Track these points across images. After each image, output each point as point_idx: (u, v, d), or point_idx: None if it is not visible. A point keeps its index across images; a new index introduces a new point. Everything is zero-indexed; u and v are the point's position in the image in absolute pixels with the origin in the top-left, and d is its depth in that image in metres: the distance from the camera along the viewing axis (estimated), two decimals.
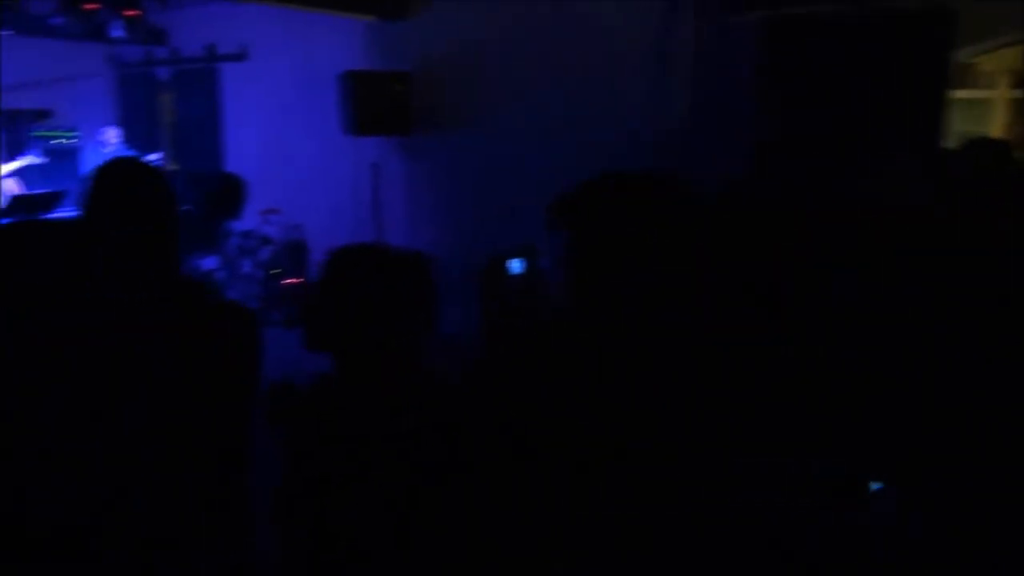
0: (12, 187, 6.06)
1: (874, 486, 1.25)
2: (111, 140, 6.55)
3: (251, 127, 6.78)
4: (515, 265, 1.50)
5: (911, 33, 3.69)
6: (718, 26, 4.22)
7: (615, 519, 1.26)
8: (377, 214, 5.74)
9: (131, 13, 6.08)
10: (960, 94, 4.00)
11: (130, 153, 6.45)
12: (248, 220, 6.22)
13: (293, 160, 6.43)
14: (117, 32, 6.06)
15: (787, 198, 3.19)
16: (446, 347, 1.89)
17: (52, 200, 6.01)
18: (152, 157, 6.36)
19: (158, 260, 1.71)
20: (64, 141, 7.29)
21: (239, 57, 6.57)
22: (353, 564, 1.52)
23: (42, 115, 7.49)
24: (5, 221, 6.10)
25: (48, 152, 6.85)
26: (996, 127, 5.29)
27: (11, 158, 6.57)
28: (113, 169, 1.87)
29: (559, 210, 1.28)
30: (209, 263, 6.09)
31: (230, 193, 5.88)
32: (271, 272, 6.14)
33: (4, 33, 5.86)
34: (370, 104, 5.32)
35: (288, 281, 6.14)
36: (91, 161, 6.53)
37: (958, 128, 3.99)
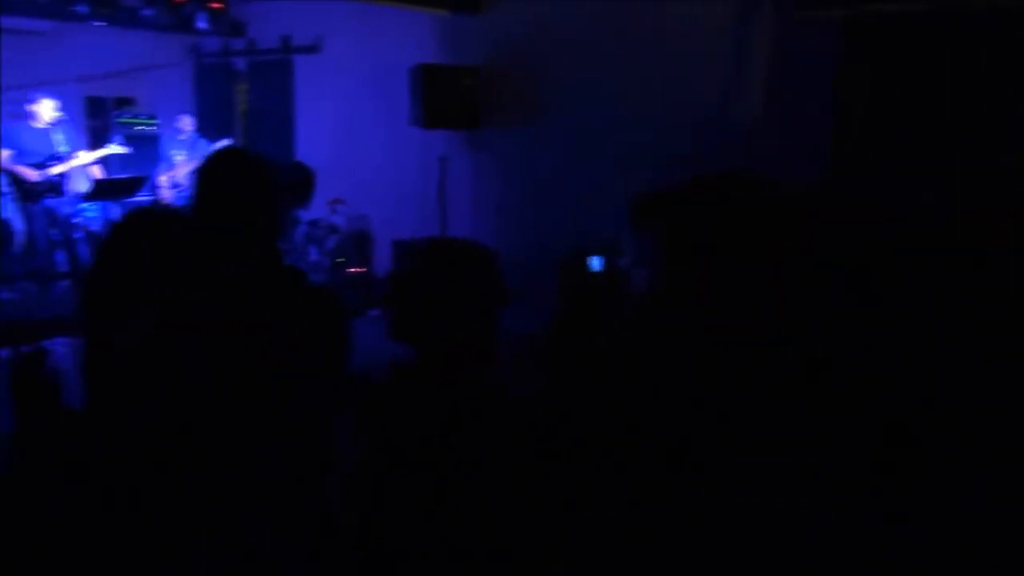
0: (95, 172, 6.32)
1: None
2: (185, 128, 6.76)
3: (322, 118, 6.90)
4: (595, 262, 1.48)
5: (1009, 31, 3.52)
6: (798, 23, 4.11)
7: (696, 520, 1.24)
8: (442, 207, 5.79)
9: (216, 6, 6.28)
10: None
11: (202, 141, 6.65)
12: (316, 209, 6.36)
13: (361, 151, 6.52)
14: (202, 24, 6.26)
15: (869, 201, 3.08)
16: (517, 343, 1.89)
17: (134, 185, 6.24)
18: (223, 143, 6.55)
19: (245, 246, 1.75)
20: (145, 128, 7.57)
21: (312, 49, 6.70)
22: (420, 554, 1.53)
23: (125, 103, 7.81)
24: (93, 204, 6.39)
25: (130, 138, 7.12)
26: None
27: (96, 143, 6.85)
28: (207, 162, 1.93)
29: (648, 208, 1.25)
30: None
31: (300, 182, 6.01)
32: (336, 260, 6.26)
33: (97, 24, 6.12)
34: (439, 97, 5.36)
35: (353, 270, 6.26)
36: (167, 148, 6.77)
37: None
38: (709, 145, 4.05)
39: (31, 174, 5.92)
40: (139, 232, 1.48)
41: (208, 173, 1.92)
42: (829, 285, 1.13)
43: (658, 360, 1.23)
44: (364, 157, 6.51)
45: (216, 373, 1.51)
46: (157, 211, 1.64)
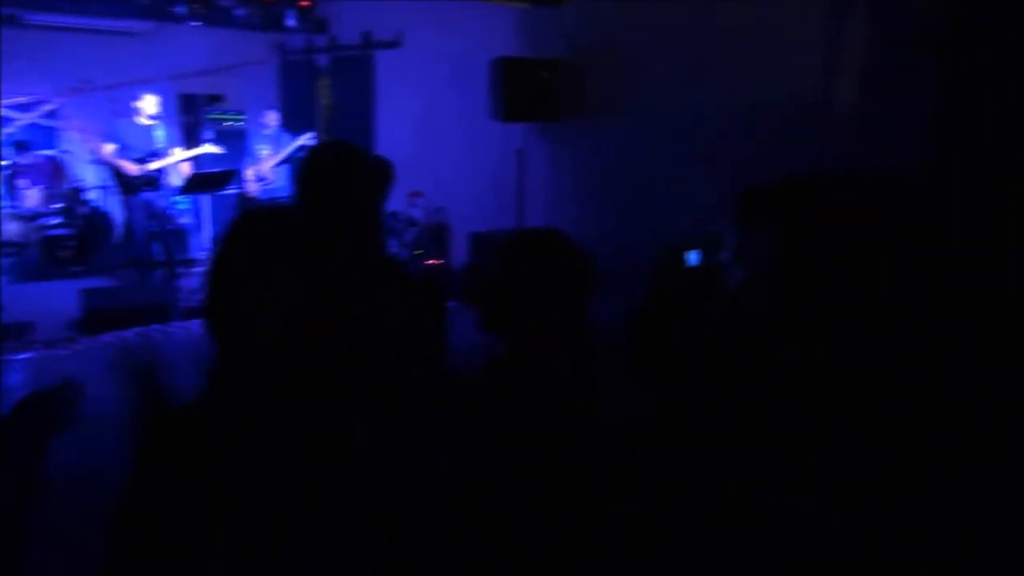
0: (184, 169, 6.60)
1: None
2: (270, 123, 6.97)
3: (401, 112, 7.01)
4: (692, 256, 1.46)
5: None
6: (895, 5, 3.93)
7: (796, 523, 1.21)
8: (520, 200, 5.80)
9: (304, 3, 6.46)
10: None
11: (286, 136, 6.85)
12: (394, 202, 6.47)
13: (440, 145, 6.59)
14: (291, 21, 6.45)
15: (970, 196, 2.93)
16: (597, 335, 1.88)
17: (225, 178, 6.49)
18: (305, 137, 6.73)
19: (336, 239, 1.79)
20: (233, 124, 7.87)
21: (393, 45, 6.81)
22: (517, 549, 1.54)
23: (215, 99, 8.13)
24: (185, 197, 6.67)
25: (219, 134, 7.41)
26: None
27: (189, 139, 7.16)
28: (305, 156, 1.99)
29: (759, 204, 1.22)
30: None
31: (380, 176, 6.12)
32: (415, 253, 6.36)
33: (193, 24, 6.40)
34: (518, 90, 5.37)
35: (430, 262, 6.35)
36: (253, 142, 7.01)
37: None
38: (798, 138, 3.92)
39: (131, 168, 6.23)
40: (239, 231, 1.53)
41: (303, 167, 1.99)
42: (956, 293, 1.08)
43: (764, 361, 1.20)
44: (443, 150, 6.58)
45: (305, 368, 1.54)
46: (263, 209, 1.69)
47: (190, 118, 8.03)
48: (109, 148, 6.20)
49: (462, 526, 1.60)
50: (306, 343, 1.47)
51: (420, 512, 1.74)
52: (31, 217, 6.96)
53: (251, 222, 1.58)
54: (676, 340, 1.58)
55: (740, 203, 1.30)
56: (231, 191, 6.97)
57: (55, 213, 7.06)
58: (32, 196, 7.01)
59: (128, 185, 6.32)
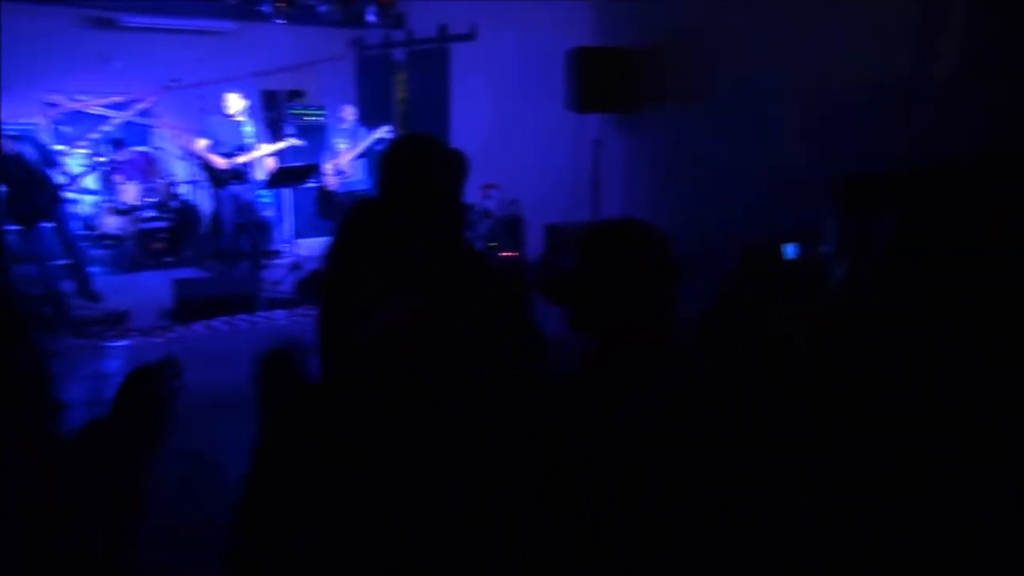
0: (268, 163, 6.81)
1: None
2: (347, 117, 7.10)
3: (476, 104, 7.03)
4: (790, 249, 1.40)
5: None
6: None
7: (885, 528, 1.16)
8: (596, 192, 5.74)
9: (385, 1, 6.54)
10: None
11: (362, 129, 6.97)
12: (469, 194, 6.49)
13: (514, 136, 6.58)
14: (371, 17, 6.55)
15: None
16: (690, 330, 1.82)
17: (307, 172, 6.67)
18: (382, 130, 6.83)
19: (414, 233, 1.81)
20: (314, 119, 8.07)
21: (468, 37, 6.84)
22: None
23: (296, 95, 8.36)
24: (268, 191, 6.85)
25: (300, 128, 7.62)
26: None
27: (272, 134, 7.39)
28: (384, 151, 2.02)
29: (870, 193, 1.15)
30: None
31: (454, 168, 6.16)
32: (489, 245, 6.39)
33: (279, 22, 6.59)
34: (595, 80, 5.30)
35: (504, 254, 6.36)
36: (331, 136, 7.16)
37: None
38: (889, 121, 3.72)
39: (220, 162, 6.47)
40: (342, 224, 1.57)
41: (382, 162, 2.01)
42: None
43: (872, 357, 1.14)
44: (517, 142, 6.56)
45: (388, 362, 1.55)
46: (364, 201, 1.70)
47: (272, 114, 8.29)
48: (202, 143, 6.46)
49: (531, 522, 1.59)
50: (395, 335, 1.48)
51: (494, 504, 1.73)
52: (128, 211, 7.33)
53: (350, 215, 1.61)
54: (770, 333, 1.52)
55: (846, 191, 1.23)
56: (311, 184, 7.15)
57: (149, 207, 7.42)
58: (128, 191, 7.38)
59: (217, 179, 6.57)
